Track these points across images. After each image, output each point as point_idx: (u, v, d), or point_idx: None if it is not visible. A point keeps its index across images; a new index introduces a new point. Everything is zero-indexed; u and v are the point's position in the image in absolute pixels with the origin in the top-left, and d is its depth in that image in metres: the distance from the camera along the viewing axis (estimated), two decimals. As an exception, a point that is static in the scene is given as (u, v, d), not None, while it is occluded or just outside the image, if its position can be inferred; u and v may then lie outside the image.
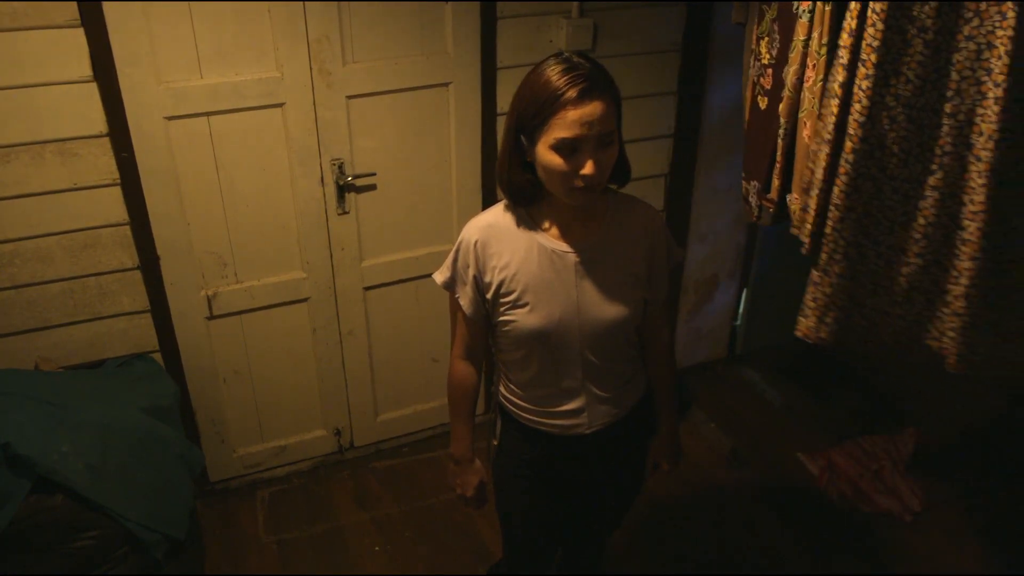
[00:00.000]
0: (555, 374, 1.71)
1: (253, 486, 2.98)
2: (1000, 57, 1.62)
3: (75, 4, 2.14)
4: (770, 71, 2.04)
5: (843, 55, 1.75)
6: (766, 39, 2.05)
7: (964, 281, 1.82)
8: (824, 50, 1.82)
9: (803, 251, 1.99)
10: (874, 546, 2.70)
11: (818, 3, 1.81)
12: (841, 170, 1.82)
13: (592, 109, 1.43)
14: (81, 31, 2.17)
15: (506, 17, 2.62)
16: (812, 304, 1.99)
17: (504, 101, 2.71)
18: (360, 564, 2.67)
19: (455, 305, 1.73)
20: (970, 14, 1.64)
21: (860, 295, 1.97)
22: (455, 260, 1.69)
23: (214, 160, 2.47)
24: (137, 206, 2.42)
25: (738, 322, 3.62)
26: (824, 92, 1.84)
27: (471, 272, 1.66)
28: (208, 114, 2.40)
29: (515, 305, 1.64)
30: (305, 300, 2.79)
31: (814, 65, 1.87)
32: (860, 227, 1.88)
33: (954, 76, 1.69)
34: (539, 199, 1.61)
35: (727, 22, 2.35)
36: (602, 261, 1.64)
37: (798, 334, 2.05)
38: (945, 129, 1.73)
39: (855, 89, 1.75)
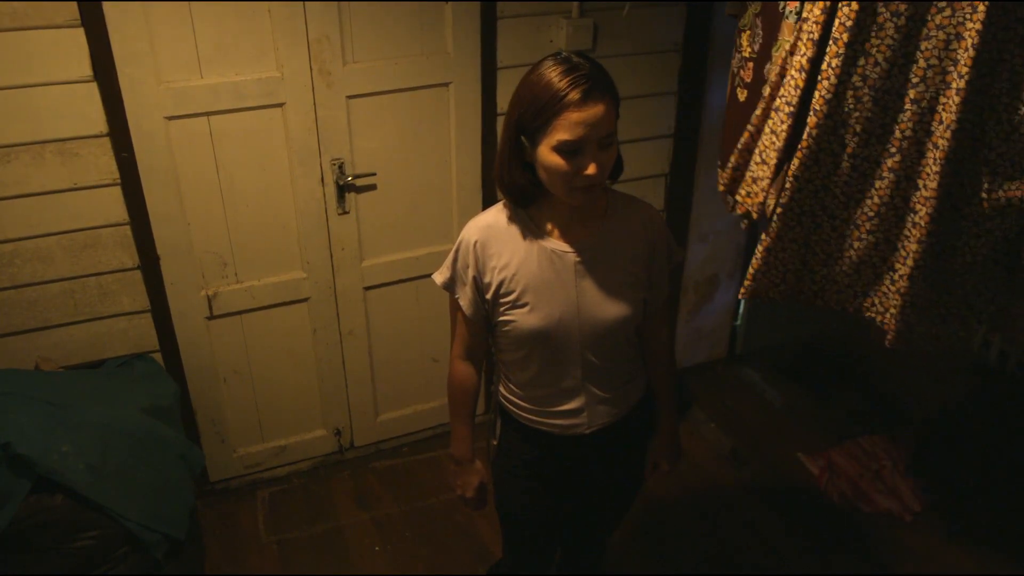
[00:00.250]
0: (555, 374, 1.71)
1: (253, 486, 2.98)
2: (967, 49, 1.64)
3: (75, 4, 2.14)
4: (751, 65, 2.04)
5: (813, 30, 1.75)
6: (748, 32, 2.06)
7: (910, 262, 1.85)
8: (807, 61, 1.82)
9: (742, 226, 2.00)
10: (874, 546, 2.70)
11: (806, 3, 1.79)
12: (803, 144, 1.83)
13: (595, 111, 1.43)
14: (81, 31, 2.17)
15: (506, 17, 2.62)
16: (763, 268, 2.02)
17: (504, 101, 2.71)
18: (360, 564, 2.67)
19: (455, 305, 1.73)
20: (943, 3, 1.65)
21: (812, 262, 2.00)
22: (455, 261, 1.69)
23: (214, 160, 2.47)
24: (137, 206, 2.42)
25: (738, 322, 3.62)
26: (788, 64, 1.85)
27: (471, 272, 1.65)
28: (208, 114, 2.40)
29: (515, 305, 1.63)
30: (305, 300, 2.79)
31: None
32: (817, 199, 1.91)
33: (921, 63, 1.71)
34: (539, 199, 1.61)
35: (727, 22, 2.35)
36: (602, 261, 1.64)
37: (742, 296, 2.09)
38: (907, 114, 1.75)
39: (824, 66, 1.75)
